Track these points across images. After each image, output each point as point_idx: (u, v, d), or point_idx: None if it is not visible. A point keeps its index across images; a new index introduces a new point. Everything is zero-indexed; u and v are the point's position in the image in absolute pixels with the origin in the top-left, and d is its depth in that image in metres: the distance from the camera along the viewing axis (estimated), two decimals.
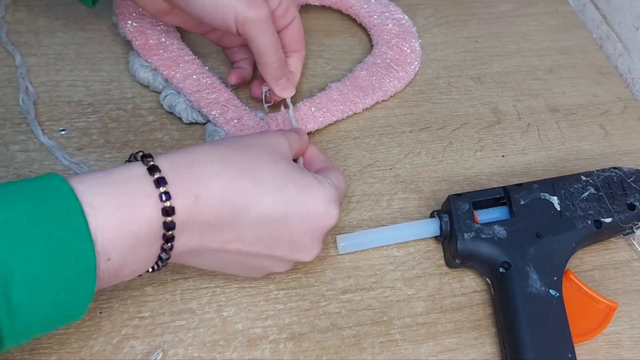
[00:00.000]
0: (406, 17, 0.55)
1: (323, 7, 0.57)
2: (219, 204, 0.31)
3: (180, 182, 0.30)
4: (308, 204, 0.34)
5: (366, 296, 0.40)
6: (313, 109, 0.47)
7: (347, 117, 0.49)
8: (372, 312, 0.40)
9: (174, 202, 0.29)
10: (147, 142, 0.45)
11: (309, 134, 0.47)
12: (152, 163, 0.30)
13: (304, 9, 0.56)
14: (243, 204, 0.32)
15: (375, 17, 0.54)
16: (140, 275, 0.33)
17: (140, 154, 0.31)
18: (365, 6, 0.55)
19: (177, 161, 0.31)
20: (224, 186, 0.31)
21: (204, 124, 0.46)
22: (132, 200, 0.29)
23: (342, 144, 0.48)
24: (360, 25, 0.56)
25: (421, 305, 0.40)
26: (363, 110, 0.50)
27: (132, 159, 0.32)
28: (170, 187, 0.30)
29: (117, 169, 0.30)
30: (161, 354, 0.36)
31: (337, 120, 0.49)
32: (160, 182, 0.29)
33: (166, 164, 0.30)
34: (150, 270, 0.32)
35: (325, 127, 0.48)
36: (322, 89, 0.50)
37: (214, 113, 0.45)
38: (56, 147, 0.43)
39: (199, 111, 0.46)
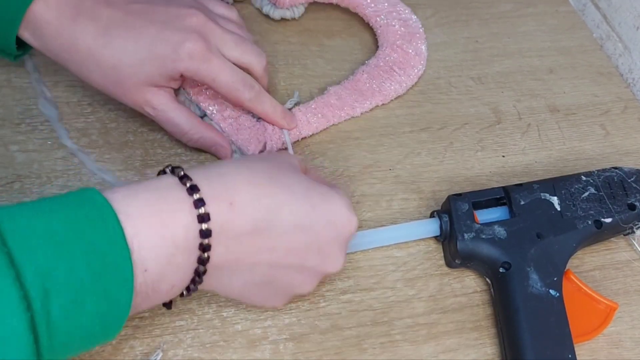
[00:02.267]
0: (414, 17, 0.54)
1: (323, 7, 0.57)
2: (253, 210, 0.31)
3: (213, 190, 0.30)
4: (331, 210, 0.34)
5: (367, 297, 0.40)
6: (309, 115, 0.47)
7: (345, 120, 0.49)
8: (372, 312, 0.40)
9: (208, 208, 0.30)
10: (147, 143, 0.45)
11: (304, 138, 0.47)
12: (183, 173, 0.31)
13: (307, 7, 0.56)
14: (275, 210, 0.32)
15: (382, 16, 0.53)
16: (170, 304, 0.33)
17: (170, 167, 0.32)
18: (373, 5, 0.54)
19: (208, 172, 0.31)
20: (257, 192, 0.32)
21: (201, 117, 0.46)
22: (167, 208, 0.29)
23: (342, 144, 0.48)
24: (360, 25, 0.56)
25: (422, 306, 0.40)
26: (362, 114, 0.50)
27: (160, 173, 0.32)
28: (203, 194, 0.30)
29: (148, 180, 0.31)
30: (161, 355, 0.36)
31: (334, 125, 0.49)
32: (193, 189, 0.30)
33: (197, 174, 0.31)
34: (185, 292, 0.32)
35: (326, 128, 0.48)
36: (322, 90, 0.50)
37: (211, 109, 0.45)
38: (81, 151, 0.43)
39: (197, 105, 0.46)
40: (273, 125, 0.46)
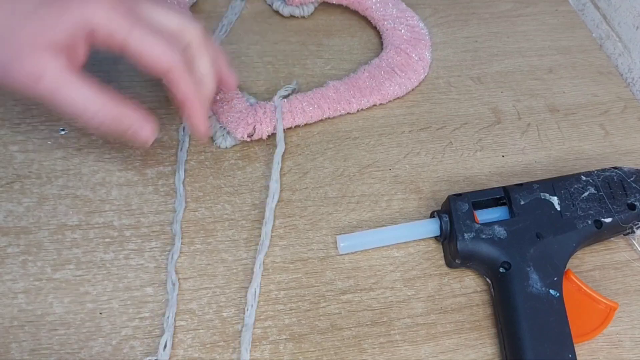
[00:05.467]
0: (422, 24, 0.55)
1: (325, 7, 0.57)
2: None
3: None
4: None
5: (366, 297, 0.40)
6: (304, 103, 0.47)
7: (341, 115, 0.49)
8: (372, 312, 0.40)
9: None
10: None
11: (297, 126, 0.48)
12: None
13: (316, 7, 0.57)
14: None
15: (390, 21, 0.54)
16: None
17: None
18: (382, 10, 0.54)
19: None
20: None
21: None
22: None
23: (341, 144, 0.48)
24: (360, 25, 0.56)
25: (421, 306, 0.40)
26: (358, 110, 0.50)
27: None
28: None
29: None
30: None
31: (330, 118, 0.49)
32: None
33: None
34: None
35: (325, 127, 0.48)
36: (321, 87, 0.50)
37: None
38: None
39: None
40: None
